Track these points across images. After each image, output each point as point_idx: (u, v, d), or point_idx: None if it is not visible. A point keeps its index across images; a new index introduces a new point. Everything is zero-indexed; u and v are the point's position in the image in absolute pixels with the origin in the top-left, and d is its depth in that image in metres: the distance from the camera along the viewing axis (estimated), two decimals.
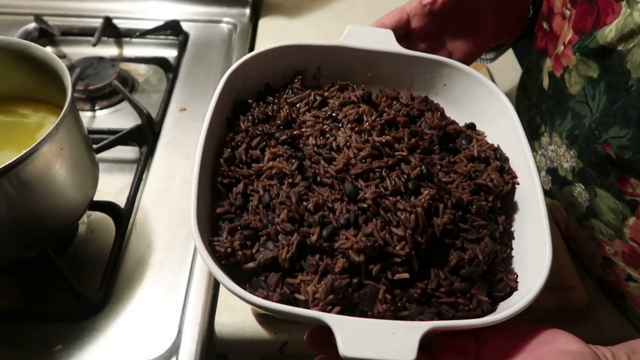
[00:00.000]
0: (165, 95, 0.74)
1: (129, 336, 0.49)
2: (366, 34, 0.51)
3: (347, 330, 0.33)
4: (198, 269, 0.55)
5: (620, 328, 0.52)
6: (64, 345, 0.48)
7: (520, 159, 0.46)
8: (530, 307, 0.36)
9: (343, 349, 0.32)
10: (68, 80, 0.47)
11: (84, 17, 0.86)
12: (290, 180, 0.41)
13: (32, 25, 0.83)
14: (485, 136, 0.50)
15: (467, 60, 0.57)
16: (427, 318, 0.37)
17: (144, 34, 0.83)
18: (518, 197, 0.46)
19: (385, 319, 0.36)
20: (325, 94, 0.50)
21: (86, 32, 0.82)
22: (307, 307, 0.36)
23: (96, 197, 0.54)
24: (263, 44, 0.76)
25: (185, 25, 0.86)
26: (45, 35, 0.82)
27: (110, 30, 0.83)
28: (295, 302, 0.37)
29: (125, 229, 0.57)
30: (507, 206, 0.46)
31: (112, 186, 0.61)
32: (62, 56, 0.80)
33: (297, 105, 0.49)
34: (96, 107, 0.73)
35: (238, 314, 0.51)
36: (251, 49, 0.86)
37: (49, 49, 0.53)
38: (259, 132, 0.45)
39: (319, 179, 0.41)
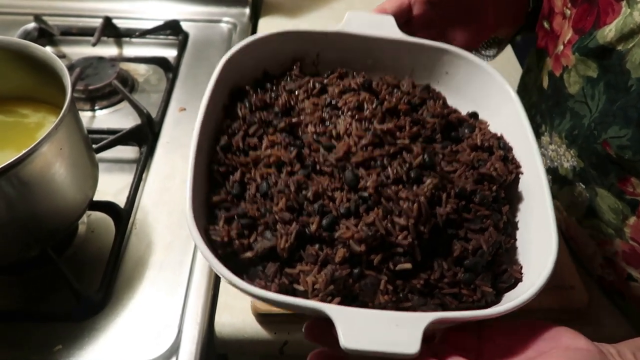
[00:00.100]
0: (165, 95, 0.74)
1: (129, 336, 0.49)
2: (367, 20, 0.50)
3: (348, 321, 0.32)
4: (198, 268, 0.55)
5: (620, 328, 0.52)
6: (64, 345, 0.48)
7: (525, 148, 0.44)
8: (530, 307, 0.35)
9: (344, 341, 0.31)
10: (68, 80, 0.47)
11: (83, 17, 0.86)
12: (289, 168, 0.40)
13: (32, 25, 0.83)
14: (488, 125, 0.48)
15: (466, 50, 0.57)
16: (430, 309, 0.36)
17: (143, 33, 0.83)
18: (522, 186, 0.45)
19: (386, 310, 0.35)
20: (325, 81, 0.48)
21: (86, 32, 0.82)
22: (307, 298, 0.35)
23: (96, 197, 0.54)
24: None
25: (185, 25, 0.86)
26: (45, 35, 0.82)
27: (110, 30, 0.83)
28: (294, 293, 0.36)
29: (125, 229, 0.57)
30: (510, 196, 0.45)
31: (112, 186, 0.61)
32: (62, 56, 0.80)
33: (296, 92, 0.47)
34: (96, 107, 0.73)
35: (238, 313, 0.51)
36: None
37: (48, 49, 0.53)
38: (256, 120, 0.44)
39: (318, 167, 0.40)
